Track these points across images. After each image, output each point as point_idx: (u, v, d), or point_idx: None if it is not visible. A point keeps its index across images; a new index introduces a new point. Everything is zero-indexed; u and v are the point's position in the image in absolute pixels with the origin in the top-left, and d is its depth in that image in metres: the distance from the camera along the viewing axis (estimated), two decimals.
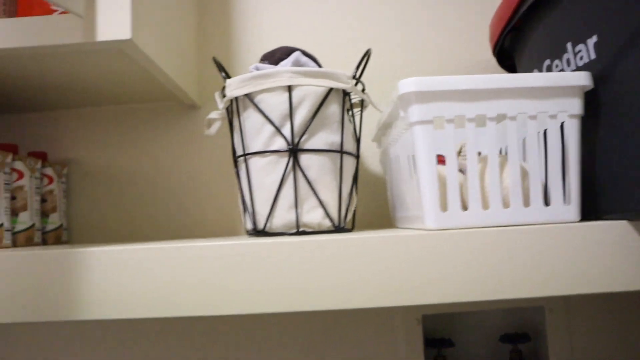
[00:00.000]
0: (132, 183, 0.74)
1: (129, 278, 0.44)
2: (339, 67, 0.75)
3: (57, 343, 0.74)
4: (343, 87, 0.54)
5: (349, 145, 0.56)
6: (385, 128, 0.61)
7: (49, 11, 0.53)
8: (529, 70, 0.59)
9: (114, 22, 0.48)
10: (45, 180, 0.68)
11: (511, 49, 0.65)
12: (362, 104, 0.59)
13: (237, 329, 0.72)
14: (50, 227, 0.68)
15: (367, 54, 0.57)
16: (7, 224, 0.60)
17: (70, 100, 0.71)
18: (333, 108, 0.54)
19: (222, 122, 0.61)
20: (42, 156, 0.69)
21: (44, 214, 0.68)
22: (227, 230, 0.73)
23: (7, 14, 0.54)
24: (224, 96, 0.60)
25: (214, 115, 0.61)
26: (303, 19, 0.76)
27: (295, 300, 0.44)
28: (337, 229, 0.54)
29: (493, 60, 0.75)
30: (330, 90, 0.53)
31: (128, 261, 0.44)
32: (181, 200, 0.74)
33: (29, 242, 0.63)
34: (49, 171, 0.68)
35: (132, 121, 0.75)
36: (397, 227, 0.62)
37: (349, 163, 0.56)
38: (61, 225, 0.70)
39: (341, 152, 0.54)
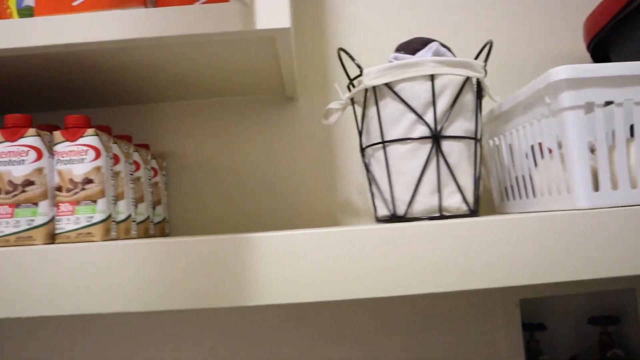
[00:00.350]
0: (228, 176, 0.75)
1: (297, 263, 0.45)
2: None
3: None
4: (478, 77, 0.56)
5: (479, 132, 0.58)
6: (500, 117, 0.63)
7: (189, 0, 0.54)
8: (635, 60, 0.62)
9: (273, 10, 0.49)
10: (152, 172, 0.68)
11: (607, 42, 0.68)
12: (481, 92, 0.61)
13: (339, 312, 0.73)
14: (156, 219, 0.68)
15: (490, 45, 0.59)
16: (133, 215, 0.60)
17: (172, 92, 0.71)
18: (468, 96, 0.56)
19: (342, 112, 0.62)
20: (146, 148, 0.69)
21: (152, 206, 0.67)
22: (326, 222, 0.74)
23: (151, 3, 0.54)
24: (348, 88, 0.61)
25: (334, 105, 0.62)
26: (392, 9, 0.78)
27: (458, 280, 0.45)
28: (472, 212, 0.56)
29: (576, 52, 0.78)
30: (467, 79, 0.55)
31: (297, 246, 0.45)
32: (278, 192, 0.74)
33: (146, 234, 0.63)
34: (153, 163, 0.68)
35: (230, 114, 0.75)
36: (507, 212, 0.64)
37: (478, 149, 0.58)
38: (164, 218, 0.70)
39: (475, 139, 0.56)
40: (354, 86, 0.62)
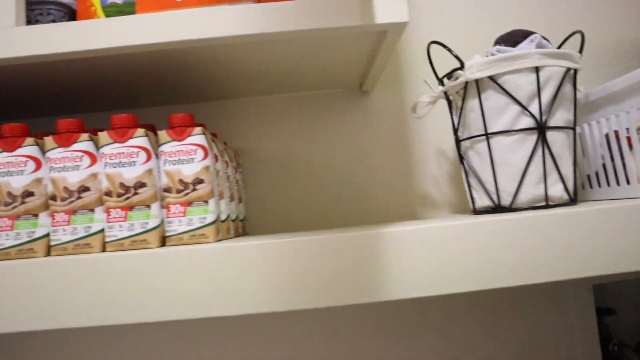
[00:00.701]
0: (303, 171, 0.74)
1: (430, 255, 0.45)
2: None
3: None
4: (577, 67, 0.56)
5: (576, 122, 0.58)
6: (585, 106, 0.64)
7: None
8: None
9: (392, 4, 0.49)
10: (234, 170, 0.67)
11: None
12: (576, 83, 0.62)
13: (415, 305, 0.74)
14: (239, 217, 0.67)
15: (582, 37, 0.60)
16: (230, 214, 0.59)
17: (248, 88, 0.70)
18: (567, 87, 0.57)
19: (432, 105, 0.63)
20: (225, 146, 0.68)
21: None
22: (404, 215, 0.74)
23: None
24: (440, 81, 0.62)
25: (425, 98, 0.62)
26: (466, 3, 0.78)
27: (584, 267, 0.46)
28: (572, 201, 0.57)
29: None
30: (567, 70, 0.56)
31: (429, 238, 0.45)
32: (354, 186, 0.74)
33: (237, 233, 0.63)
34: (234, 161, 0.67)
35: (303, 109, 0.75)
36: (592, 200, 0.66)
37: (576, 138, 0.58)
38: (245, 216, 0.69)
39: (574, 128, 0.57)
40: (441, 81, 0.62)
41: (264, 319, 0.75)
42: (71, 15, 0.60)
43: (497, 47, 0.57)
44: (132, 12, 0.58)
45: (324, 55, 0.60)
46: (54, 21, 0.58)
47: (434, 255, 0.45)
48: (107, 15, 0.58)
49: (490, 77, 0.55)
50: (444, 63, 0.74)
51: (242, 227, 0.67)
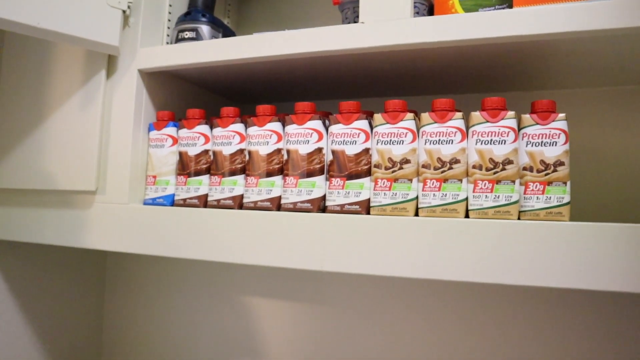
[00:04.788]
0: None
1: None
2: None
3: None
4: None
5: None
6: None
7: None
8: None
9: None
10: None
11: None
12: None
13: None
14: None
15: None
16: None
17: (567, 80, 0.73)
18: None
19: None
20: None
21: None
22: None
23: None
24: None
25: None
26: None
27: None
28: None
29: None
30: None
31: None
32: None
33: None
34: None
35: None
36: None
37: None
38: None
39: None
40: None
41: None
42: (430, 9, 0.68)
43: None
44: (490, 5, 0.63)
45: None
46: (417, 14, 0.66)
47: None
48: (465, 10, 0.64)
49: None
50: None
51: None
